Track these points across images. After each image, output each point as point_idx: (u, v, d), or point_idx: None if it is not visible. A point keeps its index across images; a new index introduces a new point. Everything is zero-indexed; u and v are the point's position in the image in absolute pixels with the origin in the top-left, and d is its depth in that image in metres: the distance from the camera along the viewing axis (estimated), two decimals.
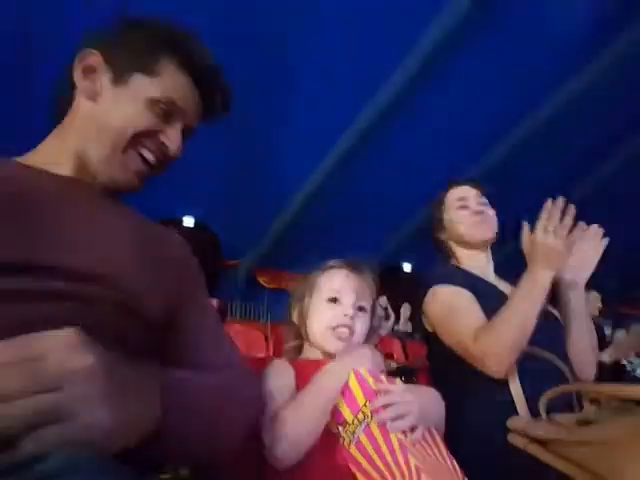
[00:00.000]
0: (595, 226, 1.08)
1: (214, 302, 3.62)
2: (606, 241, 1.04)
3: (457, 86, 3.66)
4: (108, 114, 0.61)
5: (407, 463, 0.60)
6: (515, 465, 0.81)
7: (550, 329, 1.02)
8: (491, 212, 1.16)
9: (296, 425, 0.65)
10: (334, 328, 0.80)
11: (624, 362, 2.64)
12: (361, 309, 0.84)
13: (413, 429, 0.65)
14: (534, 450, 0.79)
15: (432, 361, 1.14)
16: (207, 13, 2.63)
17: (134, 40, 0.64)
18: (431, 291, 1.04)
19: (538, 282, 0.90)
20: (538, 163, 4.47)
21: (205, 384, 0.53)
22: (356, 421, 0.66)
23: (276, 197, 4.71)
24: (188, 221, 5.32)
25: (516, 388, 0.93)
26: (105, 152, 0.61)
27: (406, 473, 0.60)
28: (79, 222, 0.58)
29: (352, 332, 0.80)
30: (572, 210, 0.94)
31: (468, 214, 1.15)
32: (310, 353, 0.85)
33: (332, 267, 0.88)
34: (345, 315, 0.80)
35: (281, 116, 3.74)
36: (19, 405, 0.32)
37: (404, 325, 4.71)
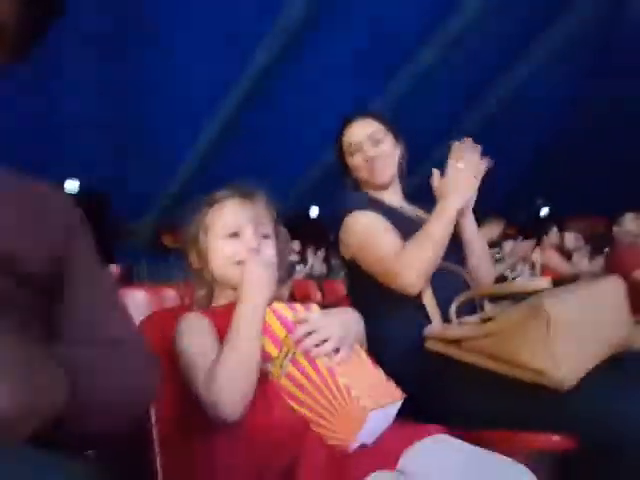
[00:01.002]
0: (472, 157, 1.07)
1: (114, 268, 3.32)
2: (487, 163, 1.07)
3: (358, 18, 3.61)
4: None
5: (336, 383, 0.62)
6: (433, 369, 0.88)
7: (454, 246, 1.09)
8: (387, 147, 1.14)
9: (234, 374, 0.61)
10: (239, 263, 0.74)
11: (507, 274, 3.04)
12: (265, 237, 0.79)
13: (337, 350, 0.65)
14: (451, 350, 0.86)
15: (352, 289, 1.17)
16: None
17: None
18: (348, 217, 1.04)
19: (450, 207, 0.98)
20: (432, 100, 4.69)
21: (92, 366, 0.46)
22: (281, 355, 0.65)
23: (173, 153, 4.37)
24: (71, 185, 4.68)
25: (429, 300, 1.00)
26: None
27: (336, 392, 0.61)
28: None
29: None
30: (478, 148, 1.03)
31: (362, 160, 1.13)
32: (222, 296, 0.79)
33: (222, 199, 0.80)
34: (250, 249, 0.75)
35: (168, 68, 3.39)
36: None
37: (320, 267, 4.85)
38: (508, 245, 3.33)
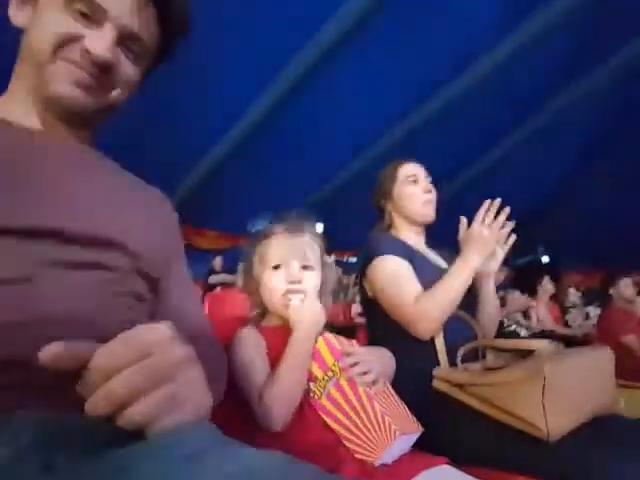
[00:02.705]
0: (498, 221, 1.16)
1: None
2: (509, 235, 1.19)
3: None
4: (32, 33, 0.58)
5: (373, 408, 0.74)
6: (438, 406, 1.00)
7: (467, 297, 1.22)
8: (435, 193, 1.29)
9: (285, 393, 0.74)
10: (284, 295, 0.85)
11: (505, 322, 3.13)
12: (306, 268, 0.87)
13: (375, 382, 0.78)
14: (454, 392, 0.98)
15: (371, 324, 1.29)
16: None
17: None
18: (376, 260, 1.16)
19: (470, 264, 1.10)
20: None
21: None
22: (326, 377, 0.77)
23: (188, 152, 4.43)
24: None
25: (440, 345, 1.12)
26: (37, 71, 0.57)
27: (372, 415, 0.73)
28: (83, 187, 0.57)
29: (304, 294, 0.85)
30: (506, 210, 1.14)
31: (419, 191, 1.27)
32: (272, 318, 0.91)
33: (271, 234, 0.91)
34: (291, 282, 0.85)
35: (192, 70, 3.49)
36: (147, 402, 0.35)
37: None
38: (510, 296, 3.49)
